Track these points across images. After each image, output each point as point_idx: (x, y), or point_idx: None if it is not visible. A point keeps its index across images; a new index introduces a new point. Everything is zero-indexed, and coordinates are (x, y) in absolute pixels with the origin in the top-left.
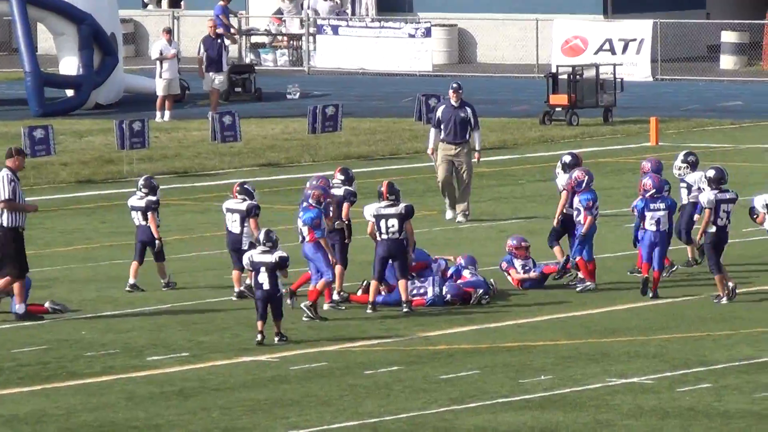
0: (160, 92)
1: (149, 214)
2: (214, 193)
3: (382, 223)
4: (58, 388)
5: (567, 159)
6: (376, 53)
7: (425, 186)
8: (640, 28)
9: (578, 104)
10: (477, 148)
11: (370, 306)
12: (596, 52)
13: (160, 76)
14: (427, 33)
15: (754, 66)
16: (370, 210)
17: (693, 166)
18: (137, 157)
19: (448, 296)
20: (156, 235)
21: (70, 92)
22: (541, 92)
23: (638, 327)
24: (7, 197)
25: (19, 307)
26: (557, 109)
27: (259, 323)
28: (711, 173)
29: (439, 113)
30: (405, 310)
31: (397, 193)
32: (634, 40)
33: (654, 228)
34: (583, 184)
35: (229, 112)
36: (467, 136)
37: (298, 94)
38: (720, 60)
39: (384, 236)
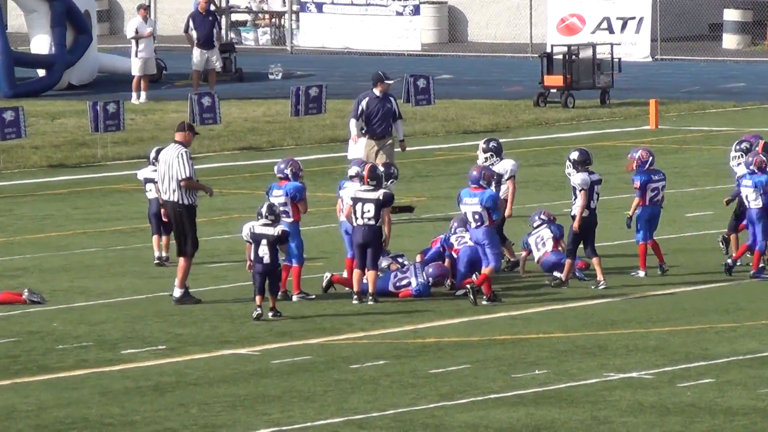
0: (135, 72)
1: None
2: None
3: (359, 207)
4: (28, 383)
5: (575, 156)
6: (362, 32)
7: (414, 171)
8: (640, 6)
9: (574, 85)
10: (401, 137)
11: (355, 296)
12: (593, 31)
13: (136, 56)
14: (416, 11)
15: (758, 46)
16: (348, 192)
17: (746, 153)
18: (112, 140)
19: (430, 280)
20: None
21: (41, 72)
22: (535, 73)
23: (637, 319)
24: (188, 175)
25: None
26: (552, 90)
27: (258, 297)
28: (575, 155)
29: (363, 105)
30: (370, 302)
31: (378, 179)
32: (633, 18)
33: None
34: (647, 165)
35: (208, 94)
36: (391, 128)
37: (280, 74)
38: (722, 39)
39: (360, 221)
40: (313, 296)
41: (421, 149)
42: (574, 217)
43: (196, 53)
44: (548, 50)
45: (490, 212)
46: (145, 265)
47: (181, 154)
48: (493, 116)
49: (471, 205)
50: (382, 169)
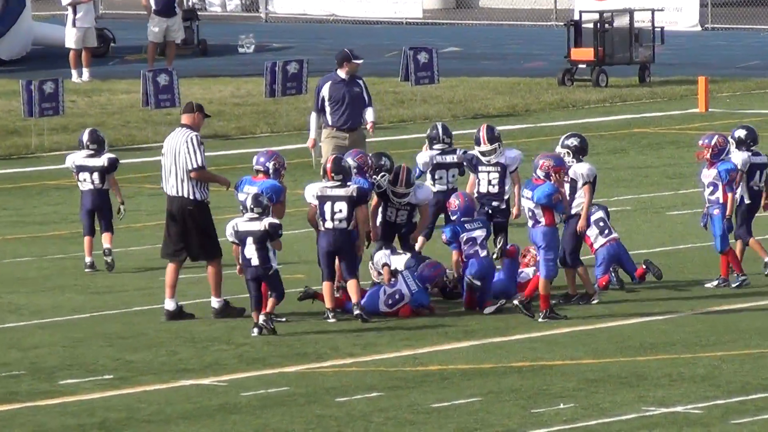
0: (71, 45)
1: (109, 174)
2: (147, 173)
3: (327, 207)
4: None
5: (574, 142)
6: None
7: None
8: None
9: (607, 60)
10: (371, 119)
11: (329, 313)
12: None
13: (73, 25)
14: None
15: None
16: (312, 190)
17: None
18: (49, 126)
19: (428, 286)
20: (120, 199)
21: None
22: (560, 45)
23: (682, 342)
24: (200, 164)
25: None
26: (581, 66)
27: (254, 314)
28: (574, 142)
29: (324, 92)
30: (356, 313)
31: (345, 172)
32: None
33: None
34: (724, 153)
35: (165, 71)
36: (361, 119)
37: (252, 47)
38: None
39: (329, 224)
40: (284, 319)
41: (421, 137)
42: (573, 217)
43: (153, 22)
44: (576, 18)
45: (548, 209)
46: (88, 278)
47: (191, 139)
48: (509, 97)
49: (526, 199)
50: (352, 162)
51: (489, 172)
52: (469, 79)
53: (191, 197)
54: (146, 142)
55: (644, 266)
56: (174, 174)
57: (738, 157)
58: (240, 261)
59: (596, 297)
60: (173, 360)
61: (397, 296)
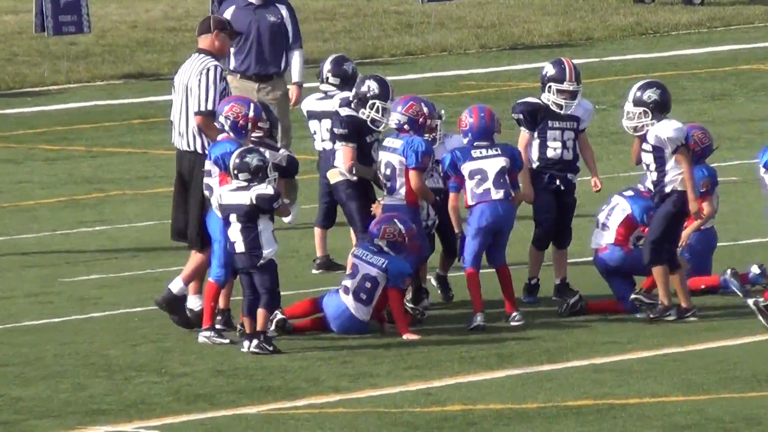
0: None
1: None
2: (42, 128)
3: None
4: None
5: (653, 94)
6: None
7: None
8: None
9: None
10: (296, 78)
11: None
12: None
13: None
14: None
15: None
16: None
17: None
18: None
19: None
20: None
21: None
22: None
23: None
24: (209, 107)
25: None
26: None
27: (246, 320)
28: (654, 94)
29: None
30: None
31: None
32: None
33: None
34: None
35: None
36: (282, 63)
37: None
38: None
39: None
40: (227, 341)
41: (437, 76)
42: (669, 196)
43: None
44: None
45: None
46: None
47: (207, 69)
48: (563, 19)
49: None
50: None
51: (563, 129)
52: None
53: (204, 151)
54: (42, 83)
55: (725, 280)
56: (184, 120)
57: None
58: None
59: (693, 312)
60: (80, 397)
61: (367, 284)
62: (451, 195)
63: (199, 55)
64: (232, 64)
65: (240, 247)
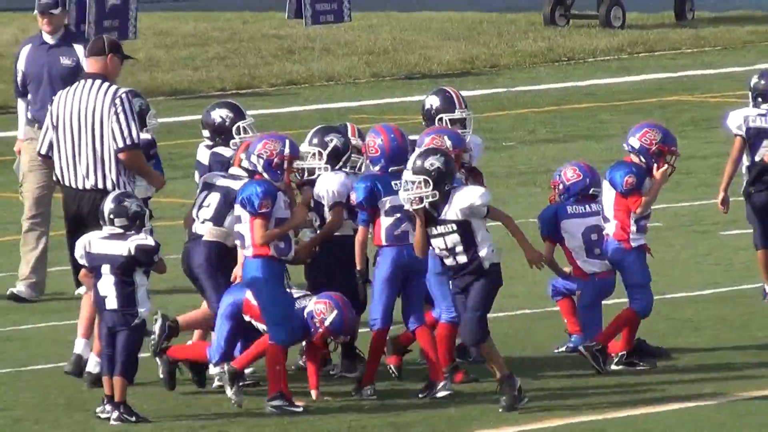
0: None
1: None
2: None
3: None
4: None
5: (760, 82)
6: None
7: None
8: None
9: None
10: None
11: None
12: None
13: None
14: None
15: None
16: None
17: None
18: None
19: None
20: None
21: None
22: None
23: None
24: (133, 140)
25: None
26: None
27: (105, 378)
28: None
29: (21, 63)
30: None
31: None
32: None
33: None
34: None
35: None
36: None
37: None
38: None
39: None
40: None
41: (323, 108)
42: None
43: None
44: None
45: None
46: None
47: (120, 99)
48: (465, 44)
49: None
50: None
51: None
52: (401, 15)
53: (112, 188)
54: None
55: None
56: (91, 157)
57: None
58: (93, 299)
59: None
60: None
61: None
62: (360, 228)
63: (94, 81)
64: (30, 112)
65: (112, 303)
